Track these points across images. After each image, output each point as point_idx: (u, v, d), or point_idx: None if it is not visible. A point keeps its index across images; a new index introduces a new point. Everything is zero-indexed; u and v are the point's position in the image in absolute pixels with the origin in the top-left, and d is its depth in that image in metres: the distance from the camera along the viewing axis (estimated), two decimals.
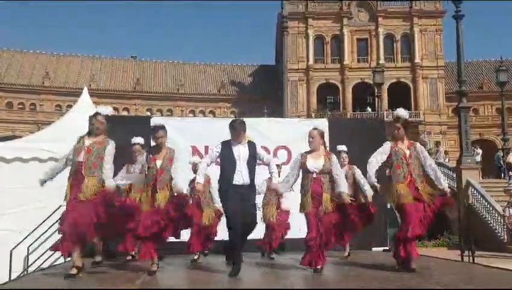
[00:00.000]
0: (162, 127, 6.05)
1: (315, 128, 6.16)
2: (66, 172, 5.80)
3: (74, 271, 5.44)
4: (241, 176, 5.82)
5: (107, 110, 5.87)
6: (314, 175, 5.96)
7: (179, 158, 6.07)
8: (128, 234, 6.89)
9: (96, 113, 5.76)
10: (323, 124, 8.96)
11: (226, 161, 5.89)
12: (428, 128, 44.98)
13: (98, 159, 5.61)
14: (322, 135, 6.13)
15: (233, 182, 5.81)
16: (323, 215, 5.87)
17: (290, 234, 8.36)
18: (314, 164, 5.99)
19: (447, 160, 25.49)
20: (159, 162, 5.94)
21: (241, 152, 5.89)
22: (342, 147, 8.03)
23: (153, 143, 8.17)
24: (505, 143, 24.47)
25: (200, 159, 8.13)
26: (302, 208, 5.97)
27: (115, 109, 43.80)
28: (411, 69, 47.54)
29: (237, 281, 5.48)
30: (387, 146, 6.21)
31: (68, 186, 5.61)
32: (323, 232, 5.83)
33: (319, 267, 5.86)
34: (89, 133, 5.76)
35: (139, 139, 7.78)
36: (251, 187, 5.92)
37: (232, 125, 5.92)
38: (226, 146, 5.95)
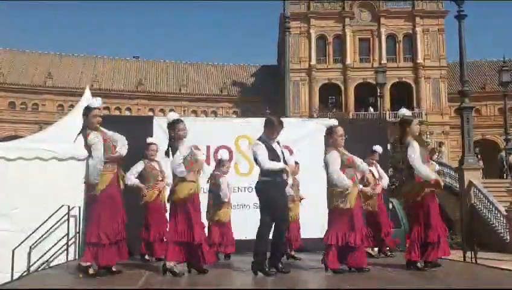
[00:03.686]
0: (182, 121, 6.05)
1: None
2: (65, 172, 5.80)
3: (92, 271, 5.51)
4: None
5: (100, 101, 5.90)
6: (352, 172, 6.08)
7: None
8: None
9: (93, 108, 5.76)
10: (327, 123, 8.97)
11: (274, 159, 5.82)
12: (430, 129, 44.93)
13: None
14: None
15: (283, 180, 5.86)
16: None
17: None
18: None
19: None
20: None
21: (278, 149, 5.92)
22: (378, 148, 8.18)
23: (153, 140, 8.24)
24: (507, 143, 24.43)
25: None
26: (349, 203, 5.91)
27: (117, 109, 43.88)
28: (413, 69, 47.50)
29: (238, 281, 5.47)
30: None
31: (108, 178, 5.64)
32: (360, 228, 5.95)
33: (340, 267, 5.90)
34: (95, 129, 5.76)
35: (153, 139, 7.87)
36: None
37: (274, 121, 5.86)
38: (267, 143, 5.85)
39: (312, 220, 8.03)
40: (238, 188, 8.73)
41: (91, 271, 5.46)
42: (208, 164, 8.63)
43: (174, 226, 5.70)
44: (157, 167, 7.61)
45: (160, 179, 7.54)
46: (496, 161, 25.63)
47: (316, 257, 6.64)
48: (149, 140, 7.76)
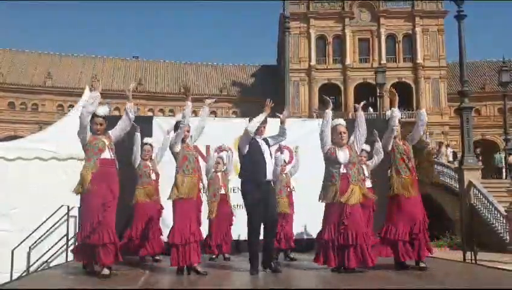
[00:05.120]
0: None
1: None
2: (65, 172, 5.80)
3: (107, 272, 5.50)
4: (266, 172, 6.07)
5: (104, 110, 5.91)
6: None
7: None
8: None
9: (95, 115, 5.76)
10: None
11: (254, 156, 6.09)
12: (430, 129, 44.89)
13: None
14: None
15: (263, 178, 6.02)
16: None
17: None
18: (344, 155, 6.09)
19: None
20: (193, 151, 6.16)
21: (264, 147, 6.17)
22: (366, 147, 8.12)
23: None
24: (506, 143, 24.44)
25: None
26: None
27: (117, 109, 43.85)
28: (413, 69, 47.47)
29: (238, 281, 5.47)
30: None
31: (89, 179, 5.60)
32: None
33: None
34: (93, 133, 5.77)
35: (149, 140, 7.93)
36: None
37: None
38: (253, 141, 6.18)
39: (312, 219, 8.03)
40: (238, 188, 8.72)
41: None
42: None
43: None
44: (149, 166, 7.65)
45: (153, 178, 7.59)
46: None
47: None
48: (144, 140, 7.79)
